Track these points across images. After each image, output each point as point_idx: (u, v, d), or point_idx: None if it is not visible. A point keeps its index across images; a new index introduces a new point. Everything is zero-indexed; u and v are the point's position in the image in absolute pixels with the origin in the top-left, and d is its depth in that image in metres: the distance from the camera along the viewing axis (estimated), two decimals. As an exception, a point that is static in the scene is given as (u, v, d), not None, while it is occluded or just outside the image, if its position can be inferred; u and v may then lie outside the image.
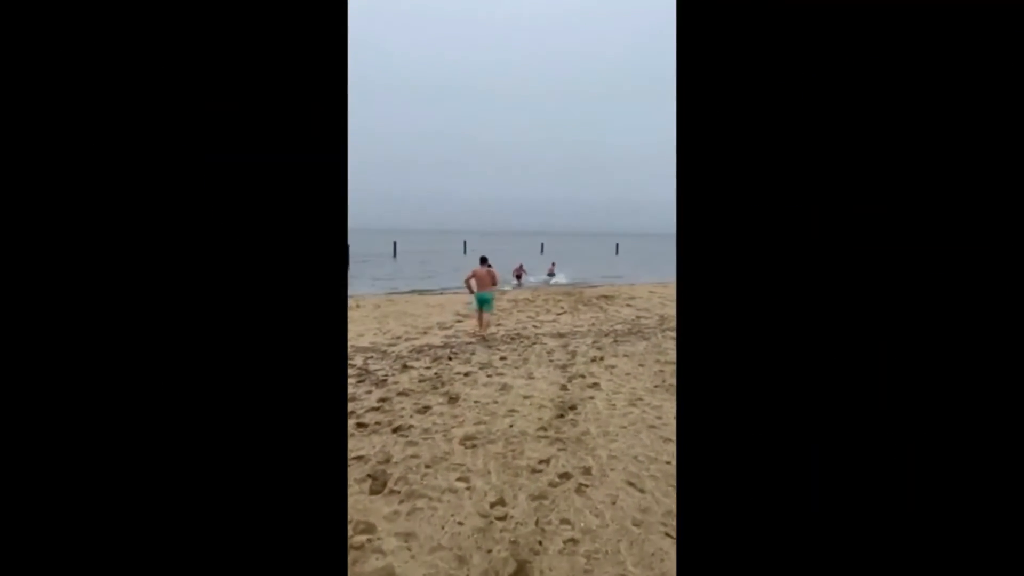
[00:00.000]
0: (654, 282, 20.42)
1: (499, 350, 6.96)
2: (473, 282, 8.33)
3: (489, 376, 5.62)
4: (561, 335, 8.18)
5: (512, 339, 7.81)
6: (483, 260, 8.82)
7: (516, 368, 5.98)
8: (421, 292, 17.40)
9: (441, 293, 16.92)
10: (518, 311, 11.81)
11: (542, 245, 49.35)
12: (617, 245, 51.83)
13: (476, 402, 4.70)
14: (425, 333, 8.68)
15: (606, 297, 14.51)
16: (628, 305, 12.92)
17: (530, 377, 5.58)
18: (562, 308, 12.19)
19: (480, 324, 8.42)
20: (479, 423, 4.14)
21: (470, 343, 7.46)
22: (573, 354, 6.70)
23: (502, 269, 11.44)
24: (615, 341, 7.62)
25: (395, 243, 41.29)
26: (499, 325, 9.66)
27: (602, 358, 6.48)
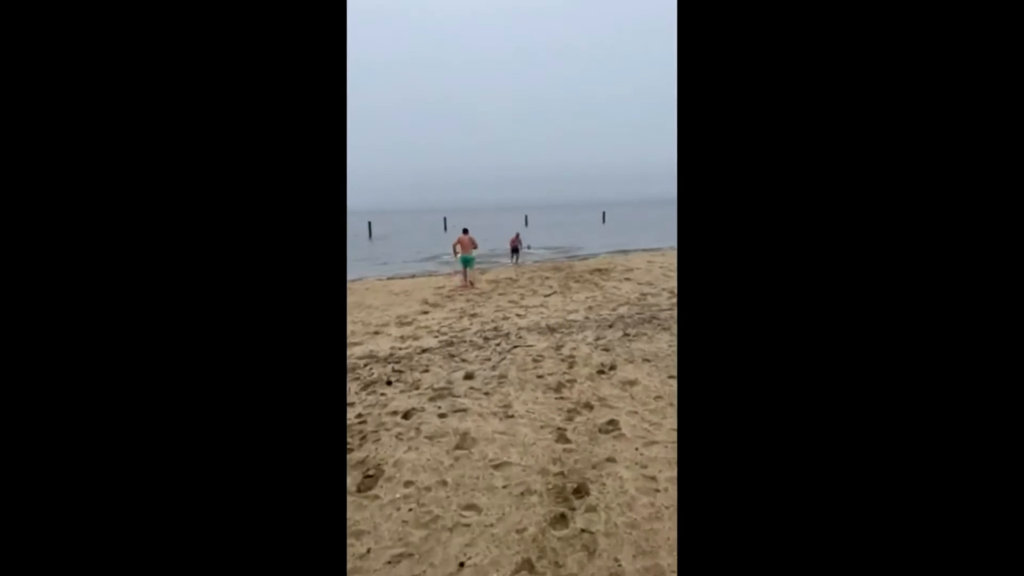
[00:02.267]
0: (649, 250, 18.46)
1: (466, 360, 4.90)
2: (458, 247, 10.74)
3: (443, 415, 3.57)
4: (551, 329, 6.14)
5: (486, 339, 5.75)
6: (465, 231, 11.28)
7: (487, 395, 3.94)
8: (390, 277, 15.25)
9: (412, 277, 14.77)
10: (499, 294, 9.76)
11: (526, 217, 47.23)
12: (604, 214, 49.93)
13: (408, 485, 2.65)
14: (376, 334, 6.62)
15: (600, 271, 12.50)
16: (627, 279, 10.94)
17: (507, 414, 3.54)
18: (550, 288, 10.16)
19: (465, 279, 10.80)
20: (400, 555, 2.10)
21: (426, 351, 5.40)
22: (570, 361, 4.68)
23: (488, 242, 13.00)
24: (624, 335, 5.60)
25: (370, 223, 39.10)
26: (473, 316, 7.63)
27: (613, 367, 4.46)
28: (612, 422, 3.31)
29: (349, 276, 15.18)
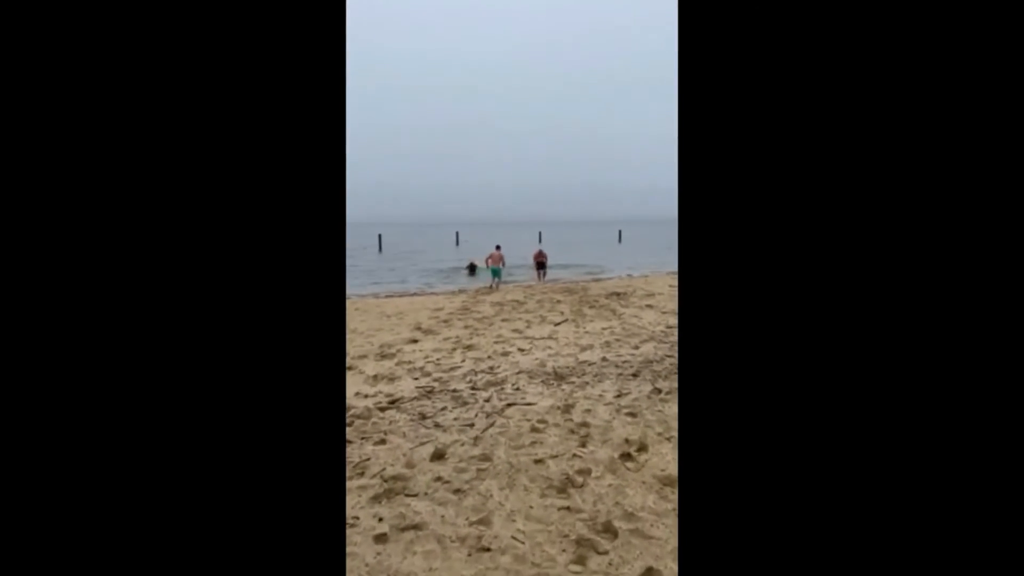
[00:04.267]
0: (671, 272, 17.09)
1: (440, 424, 3.62)
2: (489, 261, 14.03)
3: (381, 538, 2.28)
4: (559, 376, 4.85)
5: (474, 389, 4.47)
6: (497, 247, 14.36)
7: (458, 493, 2.66)
8: (388, 295, 14.11)
9: (413, 295, 13.61)
10: (502, 320, 8.53)
11: (540, 234, 46.14)
12: (620, 232, 48.66)
13: None
14: (347, 369, 5.40)
15: (617, 295, 11.21)
16: (648, 305, 9.64)
17: (480, 542, 2.22)
18: (561, 313, 8.90)
19: (492, 284, 13.75)
20: None
21: (395, 403, 4.13)
22: (583, 434, 3.38)
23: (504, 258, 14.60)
24: (655, 389, 4.29)
25: (380, 236, 38.43)
26: (468, 348, 6.42)
27: (643, 447, 3.16)
28: (651, 574, 2.01)
29: (349, 292, 14.10)
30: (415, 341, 7.09)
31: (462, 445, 3.24)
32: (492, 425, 3.55)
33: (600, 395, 4.17)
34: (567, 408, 3.86)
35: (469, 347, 6.50)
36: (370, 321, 8.87)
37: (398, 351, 6.46)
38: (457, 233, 45.43)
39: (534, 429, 3.47)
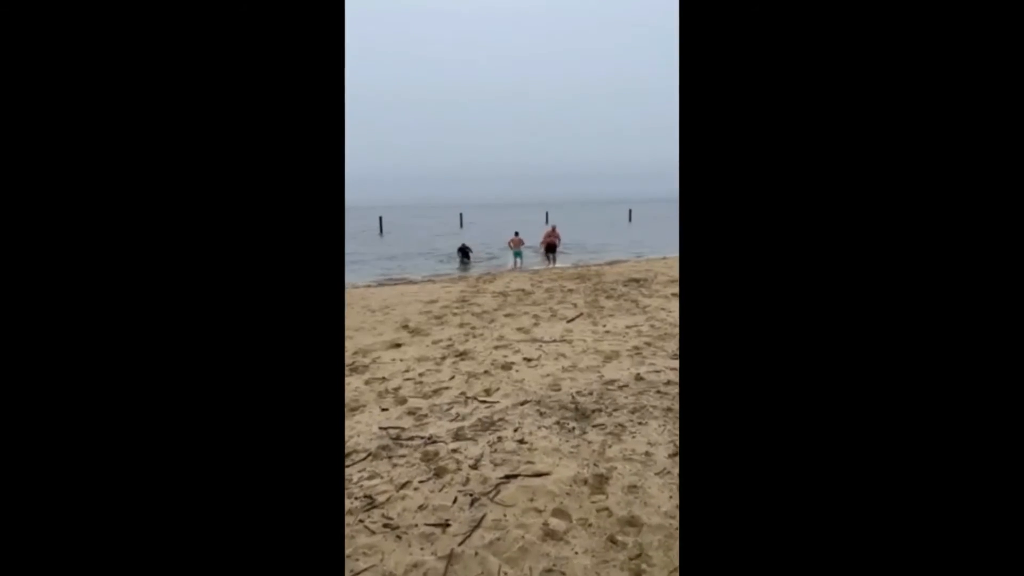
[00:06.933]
0: (691, 253, 15.53)
1: (394, 520, 2.22)
2: (511, 244, 15.38)
3: None
4: (581, 411, 3.43)
5: (459, 438, 3.08)
6: (516, 233, 15.85)
7: None
8: (380, 283, 12.76)
9: (407, 283, 12.23)
10: (504, 315, 7.15)
11: (547, 214, 44.45)
12: (630, 211, 46.84)
13: None
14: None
15: (636, 281, 9.75)
16: (675, 294, 8.20)
17: None
18: (574, 306, 7.50)
19: (514, 264, 14.69)
20: None
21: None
22: (632, 549, 1.95)
23: (498, 241, 16.03)
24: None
25: (380, 219, 37.02)
26: (461, 355, 5.07)
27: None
28: None
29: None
30: (397, 345, 5.73)
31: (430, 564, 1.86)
32: (479, 525, 2.15)
33: (647, 452, 2.75)
34: (600, 482, 2.45)
35: (462, 355, 5.13)
36: (350, 317, 7.49)
37: (373, 361, 5.11)
38: (461, 215, 43.99)
39: (548, 534, 2.06)
